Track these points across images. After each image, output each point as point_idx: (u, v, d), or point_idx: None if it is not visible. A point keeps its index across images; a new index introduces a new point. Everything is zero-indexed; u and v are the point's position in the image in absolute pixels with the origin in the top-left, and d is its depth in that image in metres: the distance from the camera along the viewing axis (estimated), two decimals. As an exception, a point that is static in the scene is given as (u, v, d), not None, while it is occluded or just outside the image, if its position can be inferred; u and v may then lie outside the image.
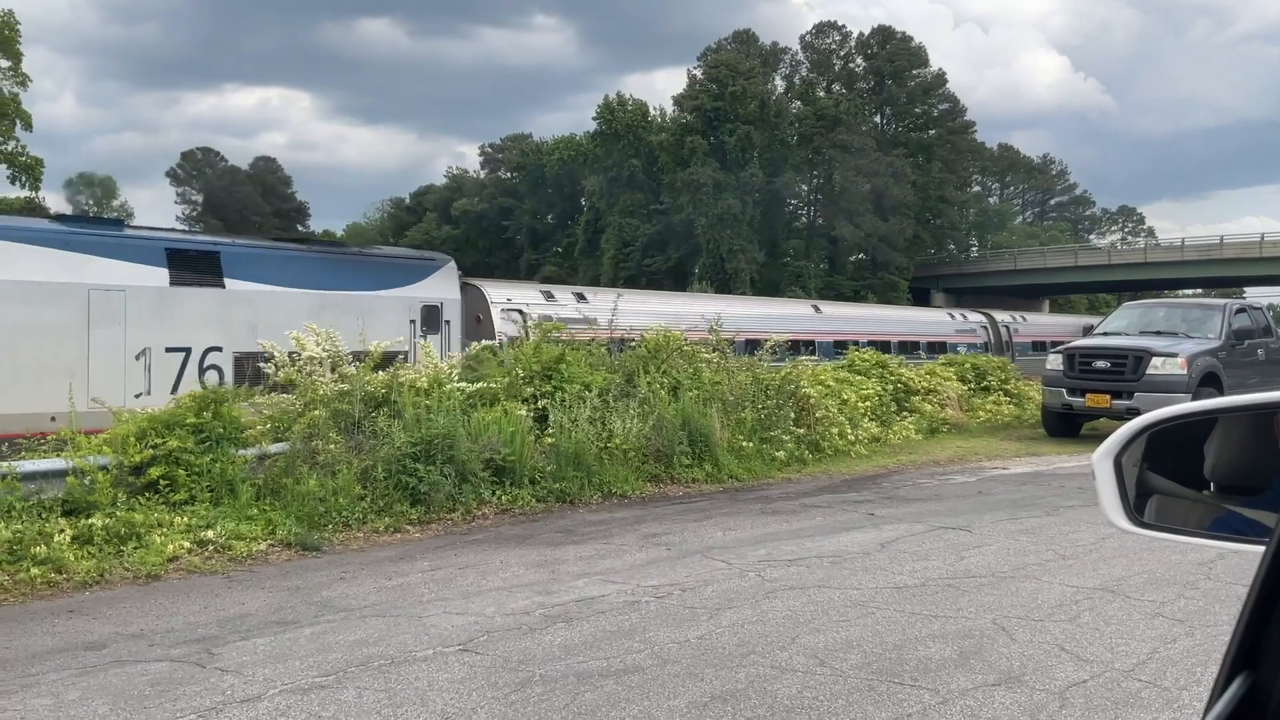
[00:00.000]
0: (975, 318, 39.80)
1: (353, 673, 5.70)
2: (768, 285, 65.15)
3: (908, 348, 28.99)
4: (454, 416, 11.21)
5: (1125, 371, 17.84)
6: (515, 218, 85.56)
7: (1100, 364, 18.31)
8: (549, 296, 24.20)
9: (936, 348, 32.96)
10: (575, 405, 12.52)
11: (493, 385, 12.61)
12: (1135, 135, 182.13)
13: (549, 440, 12.03)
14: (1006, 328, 40.14)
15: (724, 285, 62.71)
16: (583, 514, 11.14)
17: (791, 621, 6.64)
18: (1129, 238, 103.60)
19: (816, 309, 34.60)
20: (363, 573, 8.33)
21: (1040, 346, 38.16)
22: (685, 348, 15.49)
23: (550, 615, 6.88)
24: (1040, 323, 46.70)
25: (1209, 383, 17.49)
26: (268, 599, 7.53)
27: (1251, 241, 63.50)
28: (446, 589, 7.71)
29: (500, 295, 23.19)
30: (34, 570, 7.86)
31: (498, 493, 11.11)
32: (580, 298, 24.26)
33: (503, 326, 21.62)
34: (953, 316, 39.81)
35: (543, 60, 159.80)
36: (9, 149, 53.03)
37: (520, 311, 21.91)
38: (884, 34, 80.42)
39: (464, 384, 12.24)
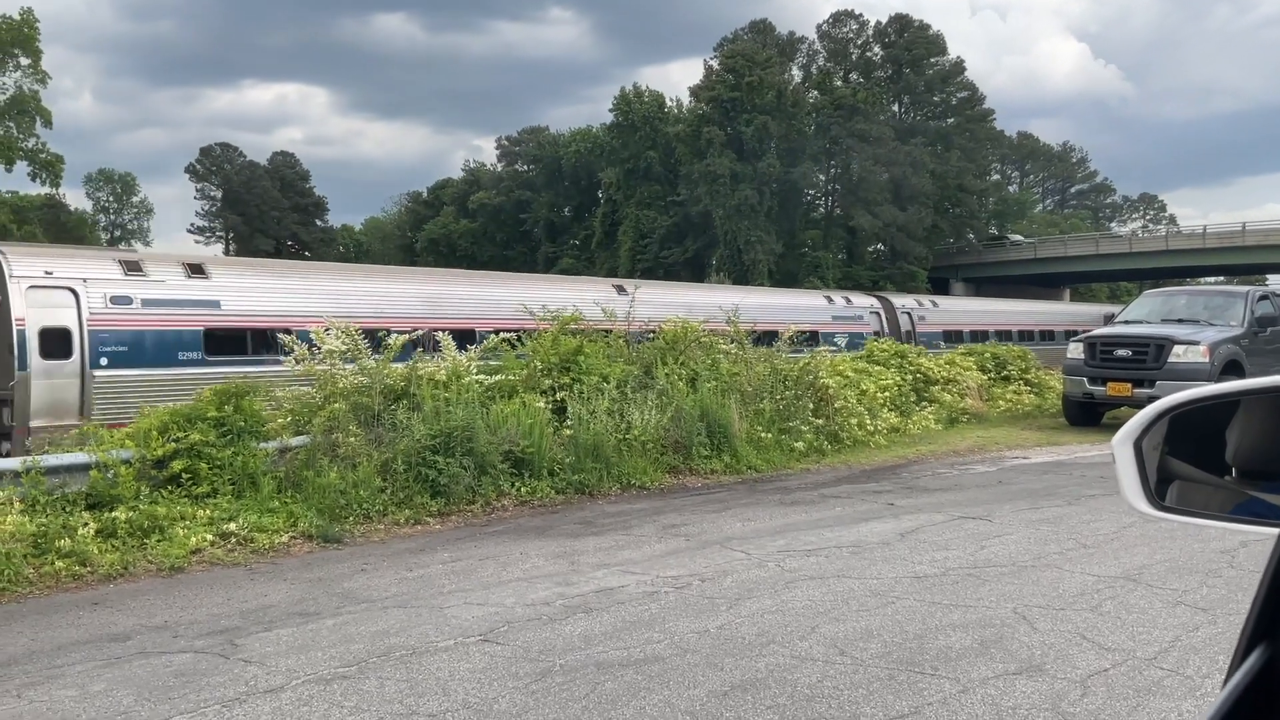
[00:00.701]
0: (863, 302, 32.53)
1: (374, 663, 5.73)
2: (785, 276, 64.97)
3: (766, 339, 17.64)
4: (473, 409, 11.24)
5: (1147, 360, 17.73)
6: (532, 211, 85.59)
7: (1121, 352, 18.19)
8: (133, 269, 16.03)
9: (810, 339, 23.21)
10: (593, 397, 12.54)
11: (511, 377, 12.64)
12: (1156, 122, 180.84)
13: (567, 432, 12.05)
14: (909, 315, 33.14)
15: (742, 277, 62.54)
16: (602, 505, 11.16)
17: (811, 611, 6.64)
18: (1150, 225, 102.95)
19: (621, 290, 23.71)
20: (384, 564, 8.38)
21: (955, 337, 32.94)
22: (703, 339, 15.49)
23: (570, 606, 6.90)
24: (958, 310, 38.25)
25: (1231, 370, 17.35)
26: (290, 590, 7.57)
27: (1274, 228, 62.84)
28: (467, 580, 7.74)
29: (33, 267, 15.02)
30: (59, 563, 7.94)
31: (517, 485, 11.14)
32: (196, 272, 16.74)
33: (32, 315, 14.49)
34: (831, 300, 31.90)
35: (558, 53, 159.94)
36: (30, 146, 53.41)
37: (73, 290, 14.93)
38: (901, 22, 79.95)
39: (482, 376, 12.27)
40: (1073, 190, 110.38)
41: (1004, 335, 34.80)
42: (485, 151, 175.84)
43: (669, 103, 76.94)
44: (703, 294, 26.06)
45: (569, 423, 12.17)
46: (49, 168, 54.30)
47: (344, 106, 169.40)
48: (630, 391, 13.13)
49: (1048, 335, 38.03)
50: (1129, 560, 7.98)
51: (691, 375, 14.24)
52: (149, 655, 6.01)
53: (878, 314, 31.80)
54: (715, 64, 73.25)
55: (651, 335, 15.51)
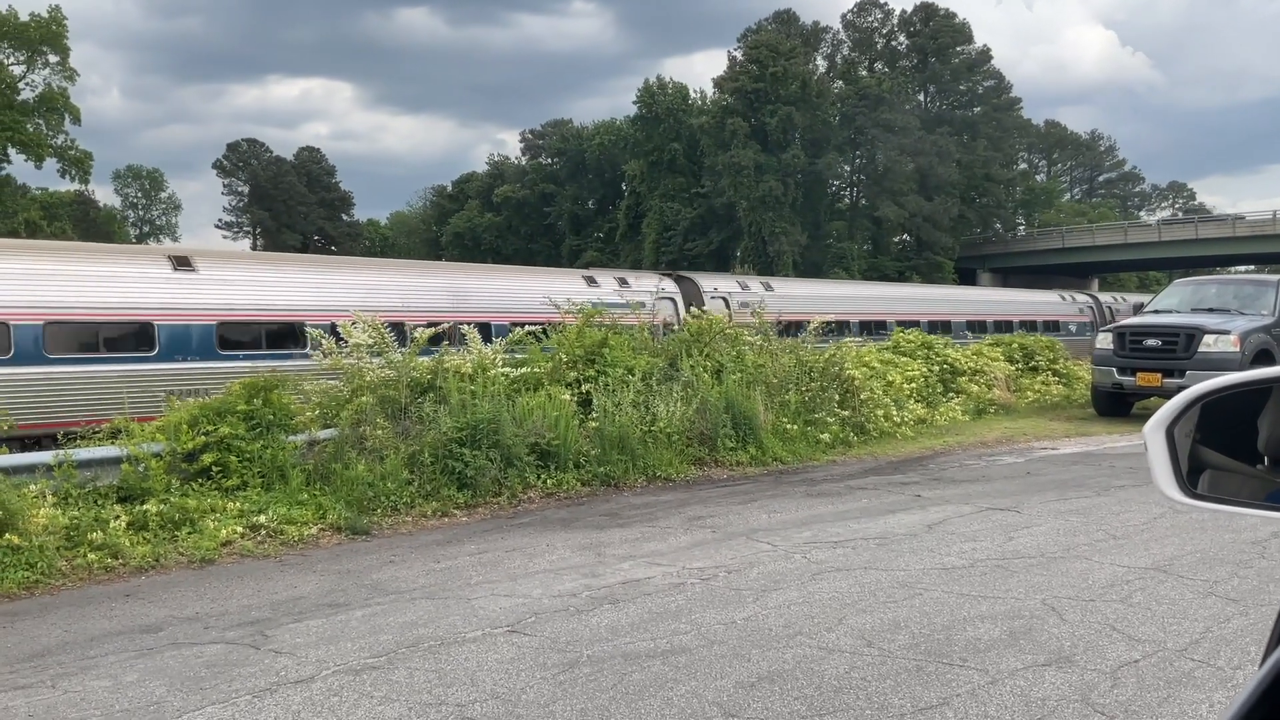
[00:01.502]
0: (649, 285, 23.97)
1: (403, 654, 5.77)
2: (810, 268, 64.77)
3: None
4: (499, 401, 11.28)
5: (1176, 350, 17.57)
6: (556, 204, 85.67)
7: (1151, 342, 18.04)
8: None
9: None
10: (619, 389, 12.55)
11: (536, 370, 12.66)
12: (1185, 109, 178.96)
13: (593, 424, 12.06)
14: (724, 299, 25.42)
15: (766, 268, 62.40)
16: (627, 497, 11.18)
17: (838, 603, 6.63)
18: (1179, 214, 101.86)
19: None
20: (411, 556, 8.43)
21: (795, 329, 20.76)
22: (728, 330, 15.46)
23: (597, 597, 6.92)
24: (800, 295, 28.31)
25: (1262, 360, 17.16)
26: (319, 582, 7.63)
27: (1306, 216, 62.10)
28: (494, 572, 7.77)
29: None
30: (91, 555, 8.03)
31: (543, 477, 11.17)
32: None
33: None
34: (591, 282, 23.16)
35: (581, 46, 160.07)
36: (59, 143, 53.93)
37: None
38: (926, 11, 79.43)
39: (508, 369, 12.30)
40: (1100, 179, 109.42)
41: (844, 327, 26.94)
42: (509, 145, 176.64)
43: (693, 94, 76.80)
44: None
45: (594, 415, 12.19)
46: (78, 164, 54.86)
47: (368, 101, 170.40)
48: (655, 383, 13.14)
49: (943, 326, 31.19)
50: (1159, 551, 7.92)
51: (717, 367, 14.23)
52: (180, 646, 6.08)
53: (672, 300, 24.10)
54: (739, 55, 73.14)
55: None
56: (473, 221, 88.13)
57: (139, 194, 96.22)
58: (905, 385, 17.67)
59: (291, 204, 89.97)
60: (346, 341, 11.79)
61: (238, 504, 9.24)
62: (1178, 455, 1.80)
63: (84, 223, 71.22)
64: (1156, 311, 19.86)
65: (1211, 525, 8.68)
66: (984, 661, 5.39)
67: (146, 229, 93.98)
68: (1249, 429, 1.77)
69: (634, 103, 76.98)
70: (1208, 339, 17.25)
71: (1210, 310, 18.81)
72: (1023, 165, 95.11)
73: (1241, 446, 1.81)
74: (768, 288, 28.01)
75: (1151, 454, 1.81)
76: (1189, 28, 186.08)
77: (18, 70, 52.56)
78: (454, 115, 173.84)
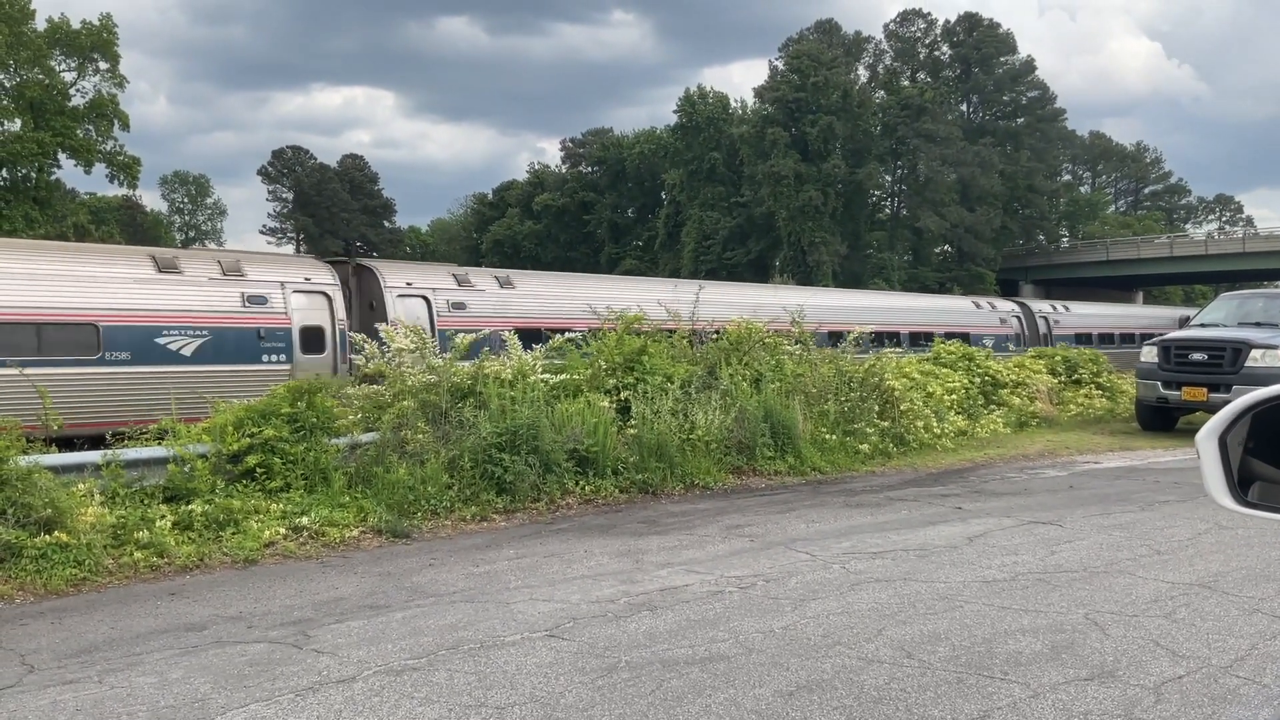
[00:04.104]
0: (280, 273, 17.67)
1: (443, 655, 5.81)
2: (850, 278, 64.45)
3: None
4: (538, 407, 11.33)
5: (1223, 364, 17.33)
6: (596, 212, 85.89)
7: (1197, 356, 17.80)
8: None
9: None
10: (657, 397, 12.56)
11: (576, 377, 12.71)
12: (1231, 121, 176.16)
13: (631, 431, 12.09)
14: (425, 298, 18.95)
15: (806, 278, 62.21)
16: (665, 505, 11.18)
17: (877, 614, 6.60)
18: (1226, 227, 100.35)
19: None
20: (451, 559, 8.49)
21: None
22: (767, 339, 15.44)
23: (635, 604, 6.94)
24: (546, 294, 21.57)
25: (1311, 375, 16.89)
26: (360, 583, 7.71)
27: (1357, 229, 60.96)
28: (532, 576, 7.81)
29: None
30: (137, 554, 8.16)
31: (581, 483, 11.21)
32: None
33: None
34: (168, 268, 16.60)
35: (621, 55, 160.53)
36: (108, 149, 54.77)
37: None
38: (970, 21, 78.91)
39: (548, 376, 12.36)
40: (1146, 191, 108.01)
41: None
42: (549, 153, 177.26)
43: (733, 104, 76.79)
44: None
45: (633, 422, 12.21)
46: (126, 170, 55.67)
47: (410, 109, 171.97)
48: (694, 391, 13.14)
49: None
50: (1204, 567, 7.81)
51: (755, 376, 14.21)
52: (224, 645, 6.16)
53: (324, 295, 17.91)
54: (780, 64, 72.96)
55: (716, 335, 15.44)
56: (513, 229, 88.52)
57: (185, 199, 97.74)
58: (946, 397, 17.54)
59: (334, 210, 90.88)
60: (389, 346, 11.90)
61: (281, 505, 9.35)
62: (1230, 464, 1.79)
63: (131, 227, 72.36)
64: (1203, 325, 19.60)
65: (1258, 542, 8.56)
66: (1025, 675, 5.35)
67: (192, 234, 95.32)
68: None
69: (674, 111, 77.12)
70: (1255, 353, 17.00)
71: (1257, 324, 18.53)
72: (1067, 177, 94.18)
73: None
74: (505, 283, 20.71)
75: (1204, 462, 1.80)
76: (1234, 39, 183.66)
77: (69, 77, 53.49)
78: (494, 124, 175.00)
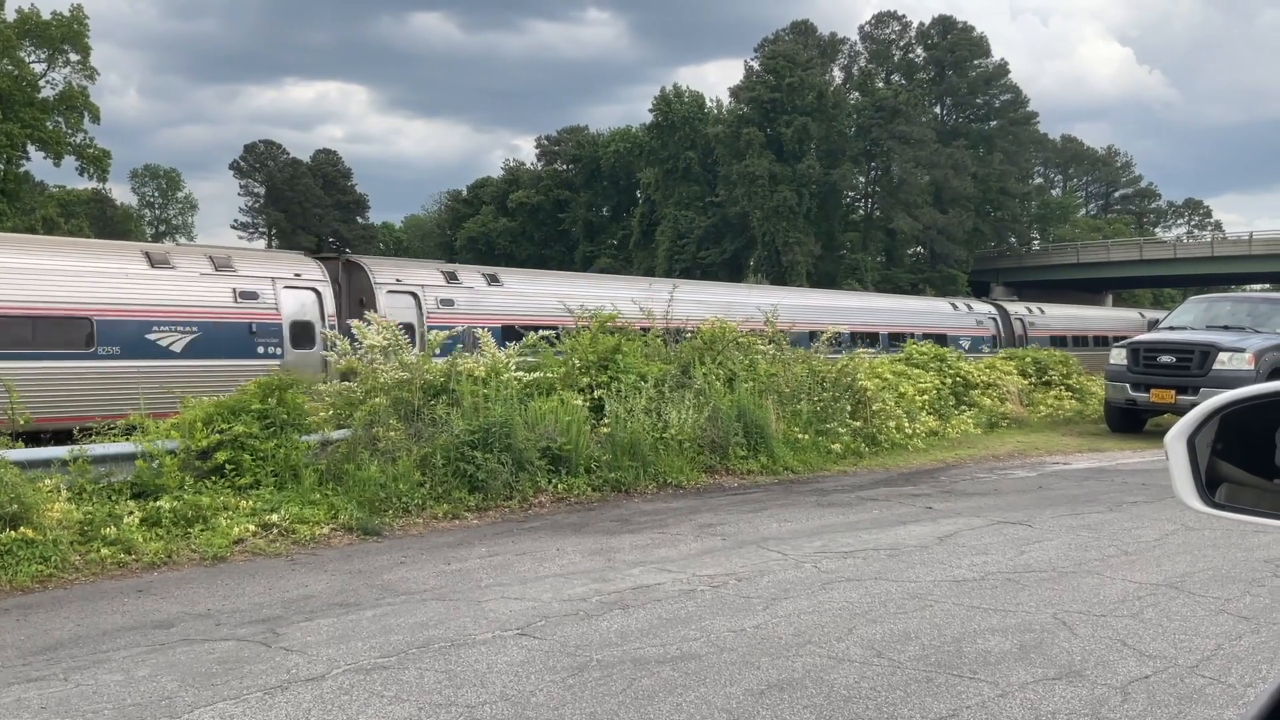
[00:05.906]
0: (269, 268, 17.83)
1: (414, 654, 5.79)
2: (824, 278, 64.72)
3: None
4: (511, 405, 11.30)
5: (1191, 366, 17.51)
6: (571, 210, 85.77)
7: (1165, 359, 17.98)
8: None
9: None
10: (631, 395, 12.57)
11: (549, 375, 12.69)
12: (1201, 127, 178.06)
13: (605, 430, 12.08)
14: (414, 294, 18.99)
15: (780, 278, 62.36)
16: (638, 503, 11.18)
17: (848, 613, 6.63)
18: (1195, 231, 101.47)
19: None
20: (422, 557, 8.45)
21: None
22: (741, 339, 15.47)
23: (606, 602, 6.93)
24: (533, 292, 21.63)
25: (1277, 378, 17.08)
26: (330, 581, 7.66)
27: (1323, 235, 61.80)
28: (504, 575, 7.79)
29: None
30: (104, 551, 8.08)
31: (554, 481, 11.19)
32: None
33: None
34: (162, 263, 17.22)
35: (596, 53, 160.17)
36: (78, 141, 54.23)
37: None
38: (944, 24, 79.36)
39: (521, 373, 12.34)
40: (1116, 195, 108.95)
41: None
42: (524, 150, 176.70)
43: (709, 103, 76.88)
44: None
45: (606, 420, 12.20)
46: (96, 163, 55.13)
47: (383, 105, 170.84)
48: (668, 390, 13.15)
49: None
50: (1171, 568, 7.89)
51: (729, 375, 14.23)
52: (192, 642, 6.11)
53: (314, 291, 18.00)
54: (756, 65, 73.14)
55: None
56: (487, 226, 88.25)
57: (155, 193, 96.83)
58: (917, 397, 17.64)
59: (307, 206, 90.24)
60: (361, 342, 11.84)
61: (250, 502, 9.28)
62: (1198, 465, 1.80)
63: (101, 221, 71.67)
64: (1171, 328, 19.79)
65: (1224, 543, 8.65)
66: (994, 674, 5.38)
67: (163, 228, 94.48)
68: (1267, 442, 1.78)
69: (650, 110, 77.21)
70: (1223, 356, 17.18)
71: (1225, 328, 18.73)
72: (1038, 180, 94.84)
73: (1259, 460, 1.82)
74: (493, 281, 21.20)
75: (1173, 464, 1.82)
76: (1204, 45, 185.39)
77: (39, 68, 52.90)
78: (468, 120, 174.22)
